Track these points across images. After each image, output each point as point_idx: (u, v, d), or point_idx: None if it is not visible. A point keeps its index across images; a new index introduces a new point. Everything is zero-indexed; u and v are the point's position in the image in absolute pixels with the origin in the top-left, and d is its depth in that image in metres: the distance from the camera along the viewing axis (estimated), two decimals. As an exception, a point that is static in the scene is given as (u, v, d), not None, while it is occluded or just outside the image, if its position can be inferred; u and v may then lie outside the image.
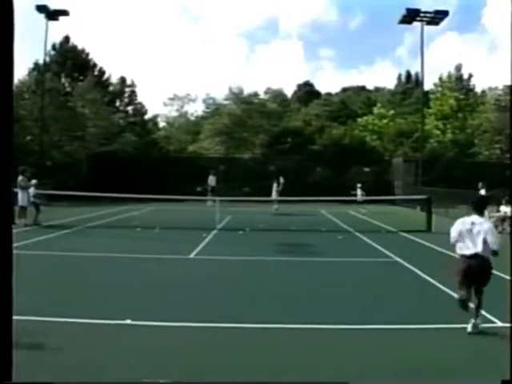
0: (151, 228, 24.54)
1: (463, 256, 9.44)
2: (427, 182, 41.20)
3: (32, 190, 27.13)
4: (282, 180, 37.96)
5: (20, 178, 26.70)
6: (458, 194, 34.56)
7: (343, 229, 26.50)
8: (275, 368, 7.33)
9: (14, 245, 14.03)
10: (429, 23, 44.95)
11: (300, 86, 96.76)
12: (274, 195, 37.27)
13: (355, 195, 41.32)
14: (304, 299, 11.46)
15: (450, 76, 69.96)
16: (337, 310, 10.53)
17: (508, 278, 12.58)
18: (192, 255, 17.16)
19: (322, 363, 7.51)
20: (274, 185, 37.89)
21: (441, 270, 14.76)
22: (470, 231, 9.42)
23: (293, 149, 55.11)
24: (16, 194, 26.12)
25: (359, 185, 42.23)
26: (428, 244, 20.68)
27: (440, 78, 70.55)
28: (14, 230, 23.22)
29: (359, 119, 69.66)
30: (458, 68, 70.24)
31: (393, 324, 9.50)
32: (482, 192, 28.56)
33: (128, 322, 9.26)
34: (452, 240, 9.82)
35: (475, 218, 9.55)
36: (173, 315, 9.84)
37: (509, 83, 59.50)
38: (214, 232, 23.73)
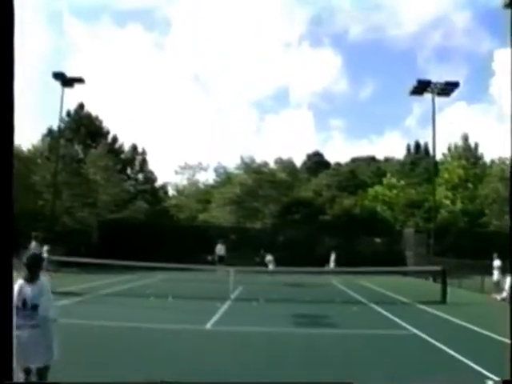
0: (164, 297, 24.33)
1: None
2: (439, 253, 41.01)
3: (44, 256, 27.12)
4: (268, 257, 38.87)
5: (33, 243, 26.75)
6: (470, 265, 34.40)
7: (357, 300, 26.22)
8: None
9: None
10: (439, 94, 45.39)
11: (309, 156, 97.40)
12: (271, 267, 37.78)
13: (328, 265, 41.79)
14: (323, 373, 11.26)
15: (457, 146, 70.35)
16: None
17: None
18: (209, 326, 16.93)
19: None
20: (268, 257, 38.41)
21: (462, 344, 14.57)
22: None
23: (303, 219, 55.15)
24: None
25: (333, 253, 42.47)
26: (445, 316, 20.42)
27: (449, 148, 70.97)
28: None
29: (369, 189, 69.79)
30: (465, 137, 70.69)
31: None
32: (497, 262, 28.36)
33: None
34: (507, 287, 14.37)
35: None
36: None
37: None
38: (228, 302, 23.48)
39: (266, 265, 38.98)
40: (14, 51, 3.92)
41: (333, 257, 43.19)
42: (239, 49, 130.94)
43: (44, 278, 7.63)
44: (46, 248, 28.03)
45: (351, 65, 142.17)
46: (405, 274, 44.12)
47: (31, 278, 7.38)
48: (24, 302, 7.13)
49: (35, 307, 7.12)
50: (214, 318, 18.43)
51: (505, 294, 26.21)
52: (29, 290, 7.21)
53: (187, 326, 16.91)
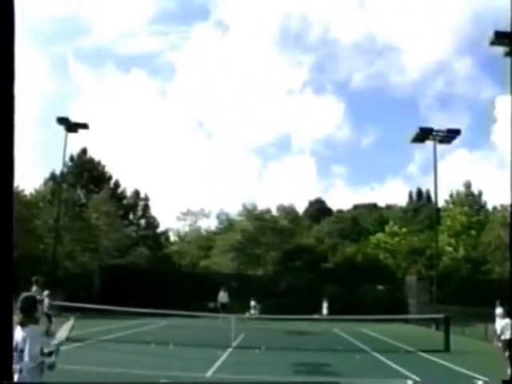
0: (165, 344, 24.13)
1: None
2: (441, 300, 40.75)
3: (45, 301, 27.12)
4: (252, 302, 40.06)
5: (34, 288, 26.68)
6: (473, 313, 34.16)
7: (360, 348, 26.03)
8: None
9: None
10: (441, 142, 45.54)
11: (311, 203, 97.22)
12: (253, 312, 38.01)
13: (321, 312, 41.28)
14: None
15: (459, 193, 70.37)
16: None
17: None
18: (209, 374, 16.80)
19: None
20: (252, 303, 38.61)
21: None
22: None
23: (305, 266, 54.98)
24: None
25: (325, 301, 41.85)
26: (448, 364, 20.25)
27: (451, 195, 70.95)
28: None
29: (371, 237, 69.57)
30: (468, 185, 70.70)
31: None
32: (500, 310, 28.15)
33: None
34: (499, 331, 17.68)
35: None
36: None
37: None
38: (229, 350, 23.32)
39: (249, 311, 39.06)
40: (14, 81, 3.95)
41: (325, 304, 42.57)
42: (242, 95, 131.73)
43: (36, 325, 7.51)
44: (46, 292, 27.90)
45: (353, 112, 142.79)
46: (407, 321, 43.76)
47: (23, 322, 7.20)
48: (16, 345, 7.07)
49: (22, 352, 6.99)
50: (215, 366, 18.30)
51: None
52: (20, 334, 7.07)
53: (187, 373, 16.79)
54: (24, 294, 7.52)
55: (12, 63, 3.89)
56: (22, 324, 7.17)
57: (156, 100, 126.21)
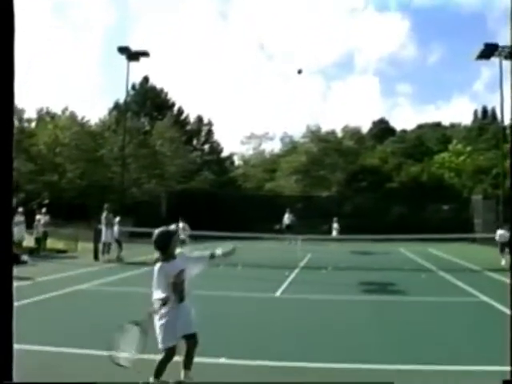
0: (234, 266, 24.63)
1: None
2: (507, 219, 40.32)
3: (116, 227, 28.01)
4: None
5: (104, 214, 27.63)
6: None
7: (425, 267, 26.16)
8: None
9: (99, 281, 14.96)
10: (507, 58, 44.21)
11: (375, 123, 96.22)
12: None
13: (331, 232, 40.55)
14: (393, 339, 11.41)
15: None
16: (427, 351, 10.37)
17: None
18: (278, 294, 17.24)
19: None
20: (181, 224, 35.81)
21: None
22: None
23: (370, 187, 54.96)
24: (100, 230, 27.10)
25: (335, 222, 40.94)
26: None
27: (517, 113, 69.09)
28: (97, 267, 23.89)
29: (436, 156, 68.69)
30: (537, 101, 68.69)
31: (483, 365, 9.33)
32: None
33: (222, 360, 9.36)
34: None
35: None
36: (268, 354, 9.89)
37: None
38: (296, 271, 23.77)
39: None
40: (14, 51, 4.01)
41: (335, 225, 41.39)
42: (304, 15, 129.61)
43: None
44: (117, 219, 28.80)
45: (418, 29, 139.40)
46: (473, 240, 43.52)
47: (157, 259, 7.45)
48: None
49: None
50: (284, 286, 18.75)
51: None
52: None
53: (256, 293, 17.25)
54: (158, 230, 7.57)
55: (12, 59, 3.96)
56: (156, 261, 7.37)
57: (216, 23, 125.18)
